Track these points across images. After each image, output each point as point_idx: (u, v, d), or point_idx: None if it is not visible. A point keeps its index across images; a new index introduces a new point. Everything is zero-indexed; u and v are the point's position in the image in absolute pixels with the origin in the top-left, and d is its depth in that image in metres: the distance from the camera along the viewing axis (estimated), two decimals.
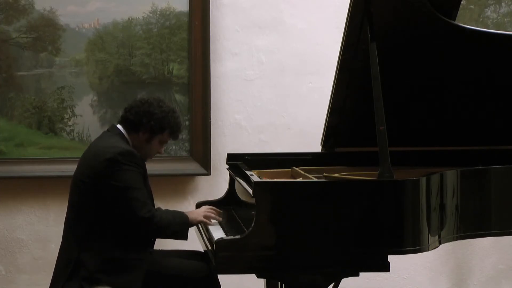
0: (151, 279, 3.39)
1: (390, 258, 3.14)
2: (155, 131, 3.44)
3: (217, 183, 4.62)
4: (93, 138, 4.47)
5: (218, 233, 3.40)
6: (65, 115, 4.57)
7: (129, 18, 4.56)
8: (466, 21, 4.74)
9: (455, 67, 3.67)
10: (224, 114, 4.69)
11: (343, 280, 3.29)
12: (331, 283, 3.25)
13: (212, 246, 3.22)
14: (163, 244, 3.78)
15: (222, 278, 3.43)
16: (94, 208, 3.30)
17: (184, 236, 3.39)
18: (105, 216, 3.29)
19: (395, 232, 3.14)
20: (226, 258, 3.07)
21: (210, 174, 4.63)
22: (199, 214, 3.51)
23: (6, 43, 4.51)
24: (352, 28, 3.45)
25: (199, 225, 3.61)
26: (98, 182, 3.28)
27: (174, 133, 3.51)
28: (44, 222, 4.61)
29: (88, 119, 4.59)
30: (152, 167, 3.73)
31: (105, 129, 3.59)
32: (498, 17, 4.91)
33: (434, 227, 3.25)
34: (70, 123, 4.57)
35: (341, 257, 3.11)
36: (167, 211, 3.41)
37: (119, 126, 3.48)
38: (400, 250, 3.16)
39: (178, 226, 3.36)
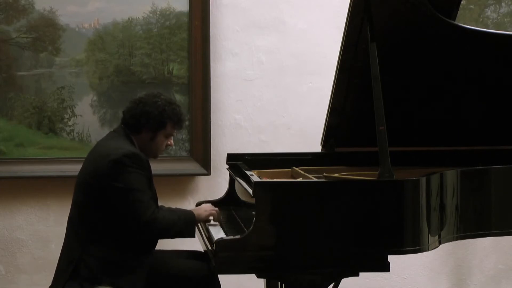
0: (151, 279, 3.38)
1: (390, 258, 3.14)
2: (156, 128, 3.42)
3: (217, 183, 4.62)
4: (93, 138, 4.49)
5: (218, 233, 3.40)
6: (65, 115, 4.57)
7: (129, 18, 4.56)
8: (466, 21, 4.74)
9: (455, 67, 3.67)
10: (224, 114, 4.68)
11: (343, 280, 3.29)
12: (331, 283, 3.25)
13: (212, 246, 3.22)
14: (163, 244, 3.78)
15: (222, 278, 3.43)
16: (98, 208, 3.29)
17: (191, 234, 3.38)
18: (108, 217, 3.28)
19: (395, 232, 3.14)
20: (226, 258, 3.07)
21: (210, 174, 4.63)
22: (205, 210, 3.51)
23: (6, 43, 4.51)
24: (352, 28, 3.45)
25: (199, 225, 3.61)
26: (102, 183, 3.27)
27: (176, 125, 3.48)
28: (44, 222, 4.60)
29: (88, 119, 4.58)
30: (152, 167, 3.72)
31: (105, 129, 3.59)
32: (498, 17, 4.90)
33: (434, 227, 3.25)
34: (70, 123, 4.57)
35: (341, 257, 3.11)
36: (172, 210, 3.40)
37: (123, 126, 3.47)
38: (400, 250, 3.16)
39: (184, 226, 3.35)
